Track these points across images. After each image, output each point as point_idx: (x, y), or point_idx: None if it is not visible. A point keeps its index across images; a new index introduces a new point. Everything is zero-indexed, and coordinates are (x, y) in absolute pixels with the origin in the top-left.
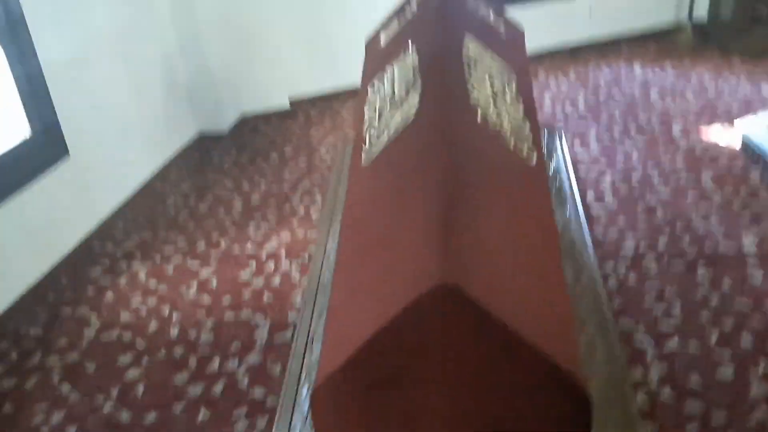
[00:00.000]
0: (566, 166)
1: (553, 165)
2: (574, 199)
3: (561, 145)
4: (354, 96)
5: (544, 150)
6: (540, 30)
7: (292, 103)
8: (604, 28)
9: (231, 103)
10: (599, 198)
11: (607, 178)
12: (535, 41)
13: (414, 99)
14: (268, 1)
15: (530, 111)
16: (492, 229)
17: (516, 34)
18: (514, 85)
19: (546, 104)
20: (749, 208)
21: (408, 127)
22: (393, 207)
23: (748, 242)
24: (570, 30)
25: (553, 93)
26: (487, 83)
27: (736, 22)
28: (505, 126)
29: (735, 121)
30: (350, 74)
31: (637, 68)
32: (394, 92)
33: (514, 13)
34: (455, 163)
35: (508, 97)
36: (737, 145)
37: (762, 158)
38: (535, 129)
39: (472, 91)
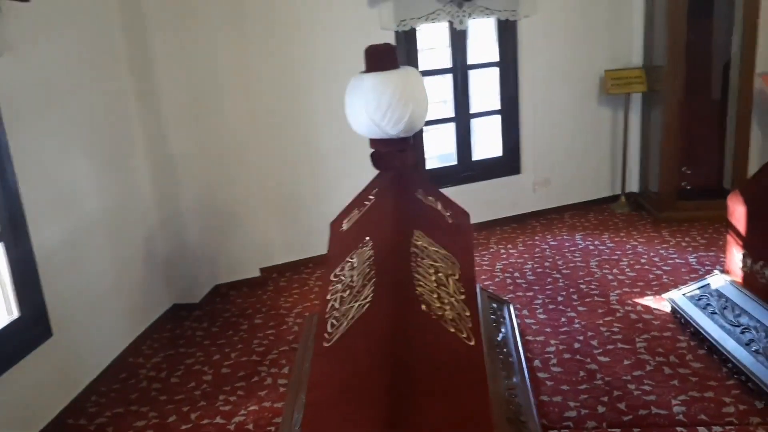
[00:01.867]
0: (514, 336)
1: (501, 334)
2: (521, 367)
3: (510, 315)
4: (321, 264)
5: (495, 320)
6: (492, 203)
7: (263, 272)
8: (549, 200)
9: (205, 275)
10: (544, 365)
11: (552, 346)
12: (488, 213)
13: (369, 291)
14: (244, 181)
15: (471, 297)
16: (432, 417)
17: (462, 219)
18: (456, 274)
19: (497, 273)
20: (678, 373)
21: (363, 317)
22: (347, 398)
23: (677, 408)
24: (519, 202)
25: (503, 262)
26: (432, 274)
27: (663, 194)
28: (447, 313)
29: (666, 289)
30: (318, 245)
31: (579, 238)
32: (352, 282)
33: (469, 188)
34: (402, 361)
35: (450, 287)
36: (667, 313)
37: (689, 325)
38: (474, 313)
39: (418, 283)
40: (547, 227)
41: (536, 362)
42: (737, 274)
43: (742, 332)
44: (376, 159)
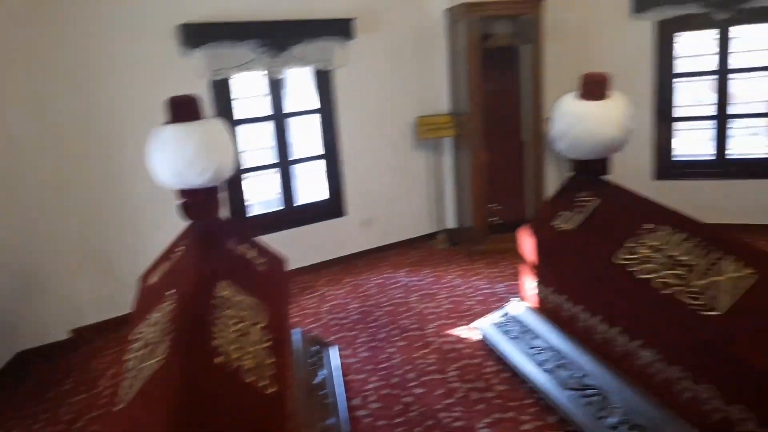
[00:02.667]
0: (334, 377)
1: (320, 376)
2: (338, 407)
3: (330, 356)
4: None
5: (314, 363)
6: (319, 245)
7: (74, 332)
8: (373, 240)
9: (6, 343)
10: (364, 402)
11: (372, 383)
12: (315, 256)
13: (164, 347)
14: (50, 239)
15: (279, 343)
16: None
17: (276, 265)
18: (263, 322)
19: (323, 315)
20: (484, 397)
21: (155, 375)
22: None
23: (483, 431)
24: (345, 243)
25: (329, 304)
26: (234, 325)
27: (475, 230)
28: (246, 362)
29: (477, 318)
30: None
31: (401, 275)
32: (151, 339)
33: (296, 232)
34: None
35: (253, 336)
36: (477, 341)
37: (495, 351)
38: (280, 360)
39: (217, 335)
40: (372, 266)
41: (356, 400)
42: (532, 300)
43: (537, 353)
44: (184, 209)
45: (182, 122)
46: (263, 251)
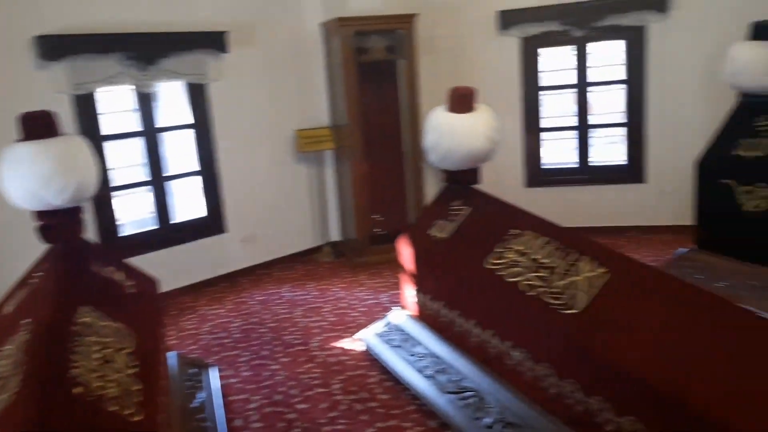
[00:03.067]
0: (213, 399)
1: (198, 400)
2: (218, 430)
3: (210, 378)
4: None
5: (191, 386)
6: (199, 264)
7: None
8: (257, 256)
9: None
10: (246, 423)
11: (254, 402)
12: (195, 275)
13: (17, 380)
14: None
15: (148, 369)
16: None
17: (147, 288)
18: (130, 348)
19: (203, 336)
20: (368, 408)
21: (7, 410)
22: None
23: None
24: (227, 261)
25: (211, 323)
26: (97, 352)
27: (359, 241)
28: (110, 391)
29: (361, 330)
30: None
31: (285, 290)
32: (3, 373)
33: (174, 251)
34: None
35: (118, 363)
36: (361, 352)
37: (378, 362)
38: (148, 386)
39: (76, 364)
40: (255, 283)
41: (237, 421)
42: (412, 308)
43: (418, 360)
44: (43, 232)
45: (37, 139)
46: (132, 273)
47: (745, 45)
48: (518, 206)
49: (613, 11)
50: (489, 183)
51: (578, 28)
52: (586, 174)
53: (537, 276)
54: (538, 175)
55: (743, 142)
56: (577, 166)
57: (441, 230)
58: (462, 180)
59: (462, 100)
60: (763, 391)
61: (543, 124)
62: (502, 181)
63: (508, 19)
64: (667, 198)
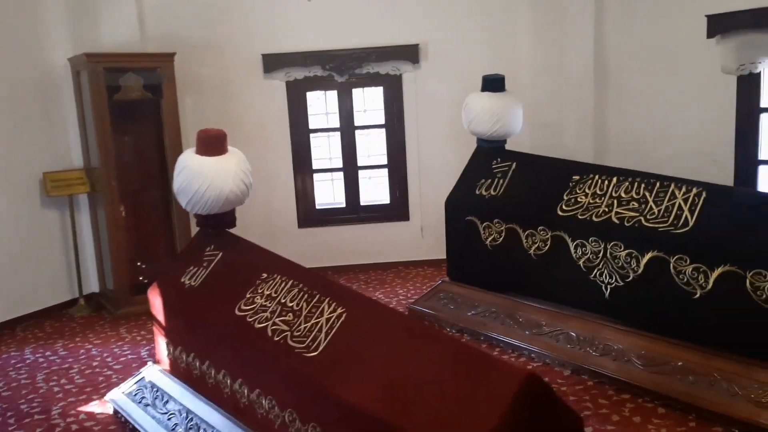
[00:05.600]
0: None
1: None
2: None
3: None
4: None
5: None
6: None
7: None
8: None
9: None
10: None
11: None
12: None
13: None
14: None
15: None
16: None
17: None
18: None
19: None
20: None
21: None
22: None
23: None
24: None
25: None
26: None
27: (119, 291)
28: None
29: (112, 389)
30: None
31: (28, 352)
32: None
33: None
34: None
35: None
36: (111, 414)
37: (130, 423)
38: None
39: None
40: None
41: None
42: (165, 362)
43: (169, 418)
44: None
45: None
46: None
47: (476, 95)
48: (267, 249)
49: (371, 60)
50: (262, 225)
51: (340, 75)
52: (355, 213)
53: (283, 320)
54: (312, 216)
55: (483, 183)
56: (346, 205)
57: (193, 277)
58: (218, 224)
59: (211, 142)
60: (473, 419)
61: (315, 165)
62: (276, 223)
63: (272, 62)
64: (428, 234)
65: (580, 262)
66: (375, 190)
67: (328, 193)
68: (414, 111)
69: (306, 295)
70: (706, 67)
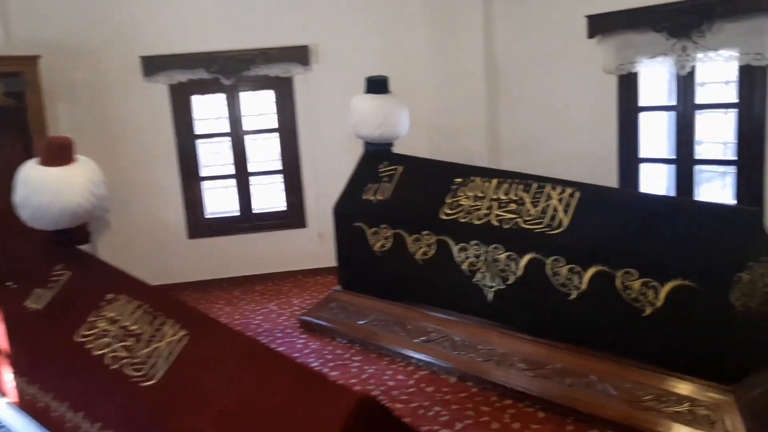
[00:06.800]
0: None
1: None
2: None
3: None
4: None
5: None
6: None
7: None
8: None
9: None
10: None
11: None
12: None
13: None
14: None
15: None
16: None
17: None
18: None
19: None
20: None
21: None
22: None
23: None
24: None
25: None
26: None
27: None
28: None
29: None
30: None
31: None
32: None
33: None
34: None
35: None
36: None
37: None
38: None
39: None
40: None
41: None
42: (11, 394)
43: None
44: None
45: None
46: None
47: (360, 98)
48: (117, 267)
49: (259, 62)
50: (147, 237)
51: (226, 78)
52: (249, 221)
53: (123, 345)
54: (202, 226)
55: (370, 187)
56: (239, 214)
57: (37, 300)
58: (70, 240)
59: (57, 151)
60: None
61: (203, 172)
62: (163, 235)
63: (152, 65)
64: (325, 241)
65: (464, 266)
66: (271, 196)
67: (222, 201)
68: (307, 114)
69: (150, 317)
70: (589, 67)
